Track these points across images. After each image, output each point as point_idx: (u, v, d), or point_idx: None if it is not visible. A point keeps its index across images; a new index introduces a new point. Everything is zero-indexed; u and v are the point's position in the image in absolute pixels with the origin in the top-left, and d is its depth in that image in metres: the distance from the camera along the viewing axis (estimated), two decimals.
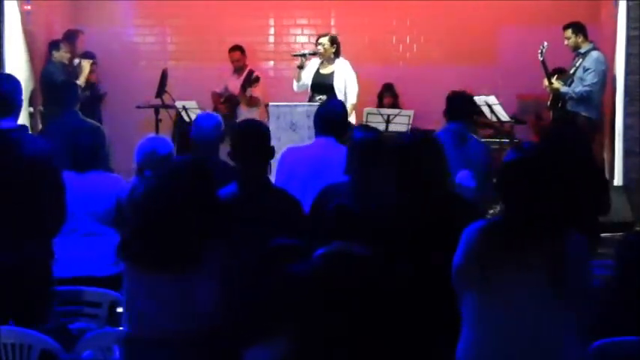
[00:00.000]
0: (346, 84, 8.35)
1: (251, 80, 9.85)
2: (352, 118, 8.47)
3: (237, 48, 10.20)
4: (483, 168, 6.25)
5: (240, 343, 3.38)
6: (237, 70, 10.15)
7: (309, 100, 8.23)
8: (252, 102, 9.83)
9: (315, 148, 5.33)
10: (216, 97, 10.16)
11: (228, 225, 3.81)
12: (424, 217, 3.68)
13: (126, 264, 3.78)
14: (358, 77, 8.45)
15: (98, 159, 5.42)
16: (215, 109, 9.93)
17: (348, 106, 8.39)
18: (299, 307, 3.26)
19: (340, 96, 8.32)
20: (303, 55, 8.58)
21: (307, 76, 8.48)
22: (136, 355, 3.73)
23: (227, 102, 10.02)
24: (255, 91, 9.92)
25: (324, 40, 8.47)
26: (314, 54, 8.55)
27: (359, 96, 8.48)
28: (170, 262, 3.63)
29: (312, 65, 8.52)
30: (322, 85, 8.38)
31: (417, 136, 3.94)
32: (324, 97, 8.30)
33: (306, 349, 3.18)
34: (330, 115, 5.40)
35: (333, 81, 8.37)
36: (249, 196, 4.06)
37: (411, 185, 3.77)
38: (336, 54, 8.47)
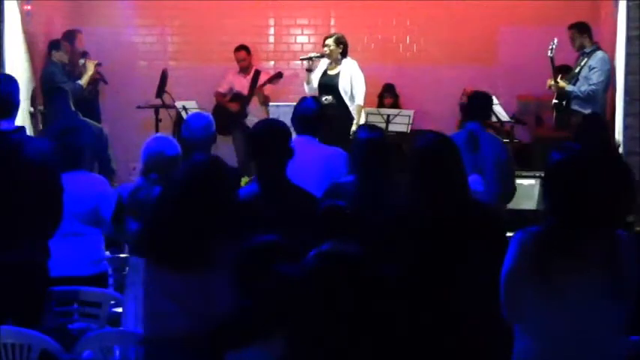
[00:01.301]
0: (352, 84, 8.35)
1: (274, 77, 9.84)
2: (362, 119, 8.46)
3: (242, 48, 10.19)
4: (503, 165, 6.28)
5: (235, 343, 3.38)
6: (243, 70, 10.15)
7: None
8: (267, 100, 9.82)
9: (294, 147, 5.35)
10: (220, 96, 10.16)
11: (245, 225, 3.82)
12: (442, 220, 3.65)
13: (146, 263, 3.79)
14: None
15: (80, 159, 5.39)
16: (223, 106, 9.94)
17: (355, 107, 8.42)
18: (294, 308, 3.25)
19: (345, 97, 8.33)
20: (309, 59, 8.60)
21: (316, 78, 8.50)
22: (156, 355, 3.73)
23: (236, 100, 10.03)
24: (268, 90, 9.92)
25: (330, 41, 8.49)
26: (321, 56, 8.56)
27: (365, 97, 8.49)
28: (186, 262, 3.64)
29: (322, 66, 8.55)
30: (328, 85, 8.40)
31: (436, 138, 3.90)
32: (329, 98, 8.32)
33: (302, 349, 3.18)
34: (304, 114, 5.44)
35: (338, 81, 8.37)
36: (269, 195, 4.07)
37: (431, 187, 3.74)
38: (343, 54, 8.49)
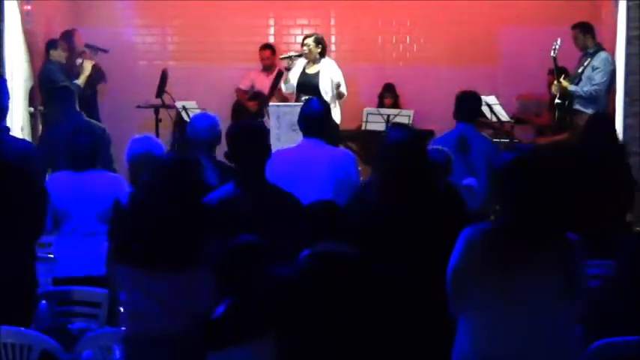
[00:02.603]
0: (334, 84, 8.35)
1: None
2: (337, 112, 8.41)
3: (267, 47, 10.26)
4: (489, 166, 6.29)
5: (225, 343, 3.37)
6: (266, 69, 10.17)
7: (295, 101, 8.27)
8: (286, 101, 9.82)
9: (301, 150, 5.35)
10: (241, 93, 10.20)
11: (225, 224, 3.82)
12: (419, 217, 3.67)
13: (122, 266, 3.78)
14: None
15: (97, 158, 5.38)
16: (242, 105, 9.94)
17: (341, 100, 8.41)
18: (289, 308, 3.25)
19: (326, 97, 8.32)
20: (289, 58, 8.61)
21: (294, 77, 8.50)
22: (137, 353, 3.74)
23: (255, 99, 10.04)
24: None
25: (309, 41, 8.51)
26: (300, 55, 8.57)
27: (347, 89, 8.49)
28: (164, 262, 3.64)
29: (299, 66, 8.54)
30: (308, 85, 8.40)
31: (403, 135, 3.93)
32: (309, 97, 8.31)
33: (294, 349, 3.17)
34: (309, 116, 5.42)
35: (318, 81, 8.37)
36: (248, 195, 4.07)
37: (402, 185, 3.75)
38: (322, 54, 8.50)
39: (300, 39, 10.91)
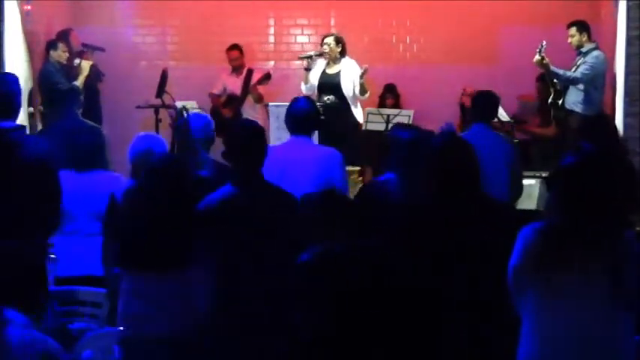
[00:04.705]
0: (355, 83, 8.37)
1: (263, 78, 9.82)
2: (359, 111, 8.45)
3: (235, 47, 10.19)
4: (512, 167, 6.29)
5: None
6: (235, 70, 10.14)
7: (317, 101, 8.25)
8: (261, 98, 9.81)
9: (288, 148, 5.35)
10: (215, 98, 10.15)
11: (220, 224, 3.83)
12: (459, 219, 3.66)
13: (120, 267, 3.79)
14: None
15: (97, 159, 5.39)
16: (216, 112, 9.92)
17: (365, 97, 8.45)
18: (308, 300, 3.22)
19: (348, 97, 8.35)
20: (309, 57, 8.60)
21: (314, 77, 8.49)
22: (134, 355, 3.74)
23: (229, 103, 10.01)
24: (260, 89, 9.91)
25: (330, 40, 8.50)
26: (320, 55, 8.57)
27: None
28: (159, 263, 3.64)
29: (319, 66, 8.54)
30: (329, 84, 8.41)
31: (450, 138, 3.93)
32: (331, 97, 8.34)
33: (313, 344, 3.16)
34: (297, 114, 5.42)
35: (340, 80, 8.38)
36: (246, 195, 4.07)
37: (448, 186, 3.74)
38: (342, 53, 8.51)
39: (300, 39, 10.98)
